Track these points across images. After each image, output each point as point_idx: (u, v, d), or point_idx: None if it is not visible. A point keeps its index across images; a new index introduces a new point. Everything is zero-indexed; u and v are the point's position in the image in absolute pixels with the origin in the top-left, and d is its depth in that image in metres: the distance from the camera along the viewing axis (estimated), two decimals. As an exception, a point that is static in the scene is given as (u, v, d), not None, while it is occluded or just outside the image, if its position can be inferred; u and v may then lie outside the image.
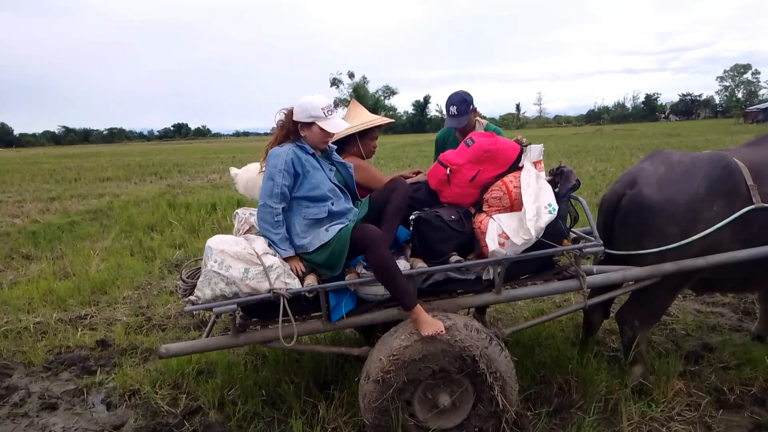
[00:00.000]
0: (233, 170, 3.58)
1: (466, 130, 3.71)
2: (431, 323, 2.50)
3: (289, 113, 2.86)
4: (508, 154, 2.91)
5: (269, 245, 2.70)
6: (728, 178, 2.92)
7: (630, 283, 3.07)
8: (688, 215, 2.90)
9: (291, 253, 2.71)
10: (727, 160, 2.99)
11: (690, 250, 2.91)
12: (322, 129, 2.79)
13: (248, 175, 3.33)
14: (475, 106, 3.63)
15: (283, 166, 2.69)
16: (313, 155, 2.84)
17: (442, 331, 2.48)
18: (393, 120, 3.38)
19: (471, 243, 2.90)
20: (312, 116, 2.77)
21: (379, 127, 3.38)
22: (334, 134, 2.89)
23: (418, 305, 2.55)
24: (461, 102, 3.54)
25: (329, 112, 2.80)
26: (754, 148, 3.23)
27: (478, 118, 3.72)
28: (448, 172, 2.91)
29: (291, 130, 2.85)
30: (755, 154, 3.09)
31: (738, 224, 2.89)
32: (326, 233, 2.68)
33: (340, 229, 2.66)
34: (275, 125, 2.91)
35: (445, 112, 3.72)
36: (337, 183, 2.89)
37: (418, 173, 3.49)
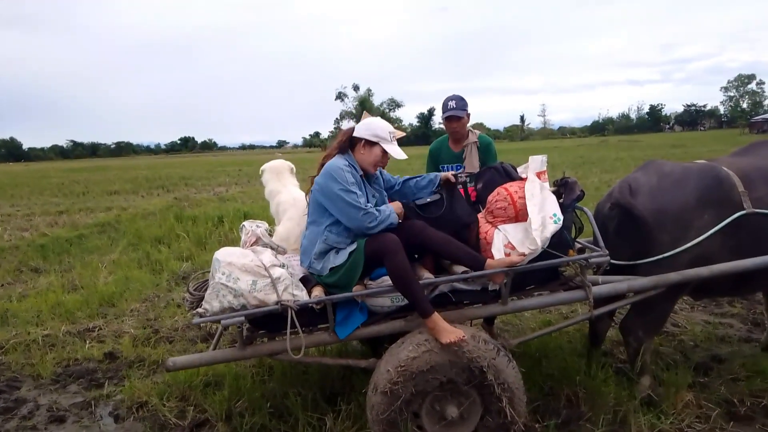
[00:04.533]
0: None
1: (460, 135, 3.82)
2: (451, 330, 2.50)
3: (349, 130, 2.85)
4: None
5: (276, 256, 2.72)
6: (718, 188, 2.98)
7: (630, 294, 3.08)
8: (679, 224, 2.94)
9: (392, 208, 2.72)
10: (717, 170, 3.05)
11: (682, 259, 2.94)
12: (384, 152, 2.77)
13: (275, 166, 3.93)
14: (470, 112, 3.80)
15: (352, 179, 2.68)
16: (361, 177, 2.81)
17: (463, 338, 2.48)
18: (405, 133, 3.41)
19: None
20: (378, 137, 2.75)
21: None
22: (386, 158, 2.85)
23: (435, 313, 2.55)
24: (459, 99, 3.77)
25: (393, 138, 2.80)
26: (743, 157, 3.34)
27: (470, 128, 3.83)
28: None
29: (346, 146, 2.83)
30: (744, 162, 3.18)
31: (728, 231, 2.93)
32: (336, 256, 2.69)
33: (351, 252, 2.66)
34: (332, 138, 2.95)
35: (442, 112, 3.83)
36: None
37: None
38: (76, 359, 4.24)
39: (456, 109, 3.73)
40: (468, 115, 3.80)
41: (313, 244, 2.75)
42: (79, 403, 3.59)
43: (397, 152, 2.77)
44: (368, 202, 2.75)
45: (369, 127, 2.77)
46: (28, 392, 3.77)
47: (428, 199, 3.00)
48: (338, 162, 2.72)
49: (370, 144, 2.77)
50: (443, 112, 3.80)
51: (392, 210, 2.74)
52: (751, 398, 3.13)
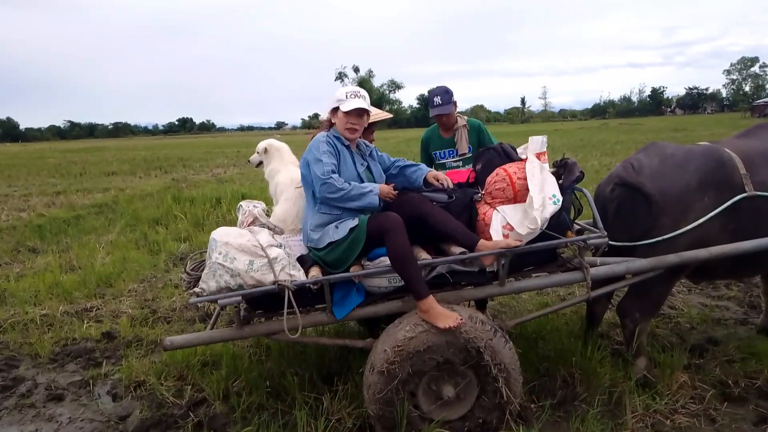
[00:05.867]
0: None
1: (449, 125, 3.88)
2: (447, 314, 2.49)
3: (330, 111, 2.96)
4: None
5: (273, 236, 2.70)
6: (719, 170, 2.96)
7: (628, 276, 3.08)
8: (680, 206, 2.92)
9: (376, 190, 2.71)
10: (719, 152, 3.03)
11: (681, 241, 2.94)
12: (343, 112, 2.83)
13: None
14: (456, 100, 3.82)
15: (326, 148, 2.76)
16: (347, 148, 2.88)
17: (461, 323, 2.48)
18: (392, 115, 3.42)
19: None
20: (338, 100, 2.86)
21: (380, 121, 3.38)
22: (352, 117, 2.86)
23: (431, 296, 2.54)
24: (444, 93, 3.77)
25: (351, 96, 2.85)
26: (745, 139, 3.31)
27: (457, 114, 3.88)
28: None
29: (329, 121, 2.96)
30: (747, 145, 3.16)
31: (728, 214, 2.92)
32: (336, 230, 2.67)
33: (352, 228, 2.64)
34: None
35: (429, 107, 3.88)
36: (365, 180, 2.88)
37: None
38: (74, 339, 4.25)
39: (442, 106, 3.75)
40: (455, 104, 3.81)
41: (309, 219, 2.79)
42: (77, 381, 3.61)
43: (347, 105, 2.79)
44: (360, 174, 2.83)
45: (333, 97, 2.90)
46: (26, 371, 3.79)
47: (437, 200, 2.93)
48: (320, 135, 2.84)
49: (335, 111, 2.89)
50: (430, 108, 3.84)
51: (373, 189, 2.71)
52: (745, 379, 3.15)
